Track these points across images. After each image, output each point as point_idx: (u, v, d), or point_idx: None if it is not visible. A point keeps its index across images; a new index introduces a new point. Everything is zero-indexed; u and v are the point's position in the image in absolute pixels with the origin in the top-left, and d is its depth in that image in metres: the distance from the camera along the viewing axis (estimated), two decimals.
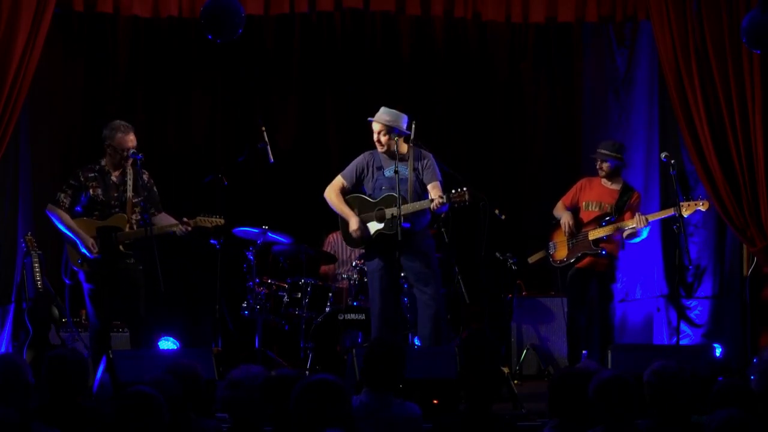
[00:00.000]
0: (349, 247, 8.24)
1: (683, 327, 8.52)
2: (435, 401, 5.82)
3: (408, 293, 7.55)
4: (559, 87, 9.55)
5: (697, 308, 8.62)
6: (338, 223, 7.20)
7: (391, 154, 6.95)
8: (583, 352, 7.68)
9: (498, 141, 9.60)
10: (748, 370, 4.76)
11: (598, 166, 7.73)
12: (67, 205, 6.78)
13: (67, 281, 7.06)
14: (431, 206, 6.70)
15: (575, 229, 7.67)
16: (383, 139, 6.93)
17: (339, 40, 9.41)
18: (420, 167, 6.93)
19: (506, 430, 4.63)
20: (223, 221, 7.05)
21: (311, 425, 3.72)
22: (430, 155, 7.00)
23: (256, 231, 7.92)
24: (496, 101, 9.60)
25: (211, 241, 7.64)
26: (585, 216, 7.71)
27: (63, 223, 6.76)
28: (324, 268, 8.71)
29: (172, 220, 6.94)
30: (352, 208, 7.07)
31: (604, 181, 7.75)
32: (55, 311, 7.68)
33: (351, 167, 7.14)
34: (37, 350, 7.42)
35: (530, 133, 9.61)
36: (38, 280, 7.57)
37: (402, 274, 6.97)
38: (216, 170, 7.62)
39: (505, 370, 7.18)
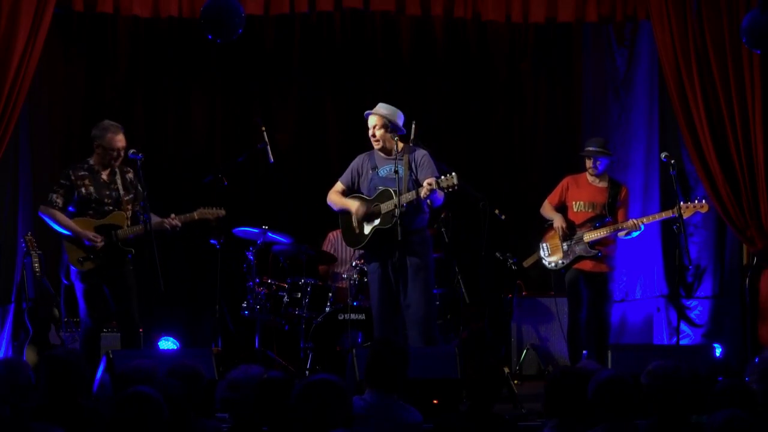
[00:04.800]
0: (349, 247, 8.24)
1: (683, 327, 8.51)
2: (435, 401, 5.83)
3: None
4: (559, 87, 9.54)
5: (697, 308, 8.61)
6: (338, 222, 7.17)
7: (387, 152, 6.87)
8: (584, 352, 7.66)
9: (498, 141, 9.60)
10: (745, 371, 4.73)
11: (589, 165, 7.62)
12: (60, 205, 6.67)
13: (65, 281, 7.02)
14: (421, 193, 6.52)
15: (568, 230, 7.63)
16: (378, 133, 6.81)
17: (339, 40, 9.41)
18: (414, 166, 6.78)
19: (507, 430, 4.64)
20: (224, 212, 7.00)
21: (312, 425, 3.72)
22: (426, 153, 6.85)
23: (256, 231, 7.92)
24: (496, 101, 9.59)
25: (211, 241, 7.65)
26: (577, 217, 7.61)
27: (58, 223, 6.66)
28: (322, 268, 8.71)
29: (158, 219, 6.84)
30: None
31: (590, 178, 7.65)
32: (55, 311, 7.69)
33: (348, 170, 7.04)
34: (38, 350, 7.43)
35: (530, 133, 9.60)
36: (38, 275, 7.57)
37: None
38: (216, 170, 7.62)
39: (505, 369, 7.18)
